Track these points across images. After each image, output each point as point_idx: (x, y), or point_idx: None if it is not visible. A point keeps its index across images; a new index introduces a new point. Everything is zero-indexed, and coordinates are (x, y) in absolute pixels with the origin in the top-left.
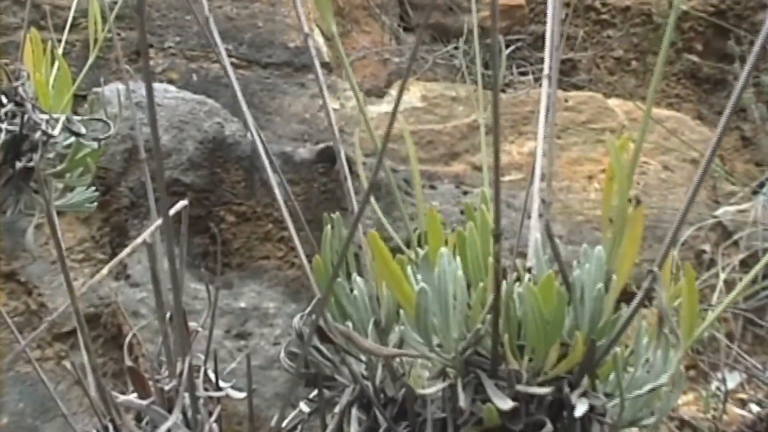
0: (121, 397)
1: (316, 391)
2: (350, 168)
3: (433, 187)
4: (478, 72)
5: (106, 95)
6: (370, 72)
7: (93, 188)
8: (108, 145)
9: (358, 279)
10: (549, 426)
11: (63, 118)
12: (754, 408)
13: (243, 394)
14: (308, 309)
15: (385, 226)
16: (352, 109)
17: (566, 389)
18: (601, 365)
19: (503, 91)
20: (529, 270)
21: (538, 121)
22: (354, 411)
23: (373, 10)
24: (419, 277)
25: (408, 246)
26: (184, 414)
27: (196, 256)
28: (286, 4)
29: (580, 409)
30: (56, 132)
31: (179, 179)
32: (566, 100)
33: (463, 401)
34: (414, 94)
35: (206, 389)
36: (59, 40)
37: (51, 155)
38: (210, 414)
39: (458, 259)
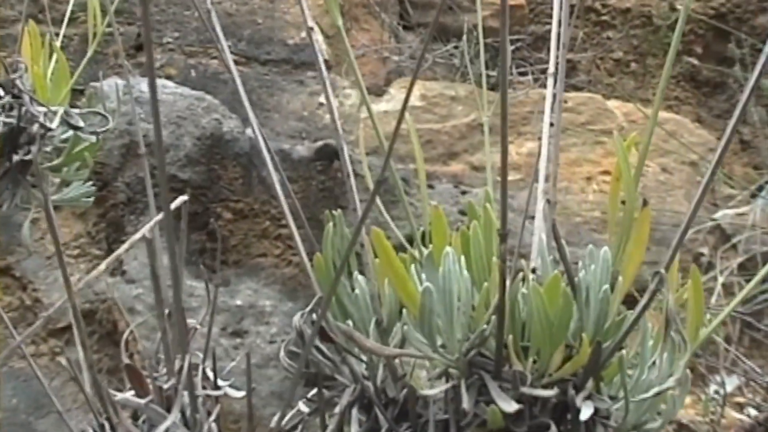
0: (119, 395)
1: (315, 391)
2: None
3: (431, 187)
4: (483, 71)
5: (104, 90)
6: (369, 70)
7: (90, 183)
8: (105, 140)
9: (360, 277)
10: (553, 429)
11: (61, 110)
12: (753, 412)
13: (241, 393)
14: (309, 307)
15: (386, 225)
16: (350, 107)
17: (571, 392)
18: (606, 367)
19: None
20: (533, 271)
21: (543, 120)
22: (354, 411)
23: (372, 8)
24: (423, 276)
25: (410, 244)
26: (183, 413)
27: (193, 253)
28: (286, 1)
29: (586, 412)
30: (54, 125)
31: (177, 175)
32: (565, 101)
33: (466, 403)
34: (413, 93)
35: (204, 388)
36: (57, 34)
37: (48, 149)
38: (209, 413)
39: (462, 258)
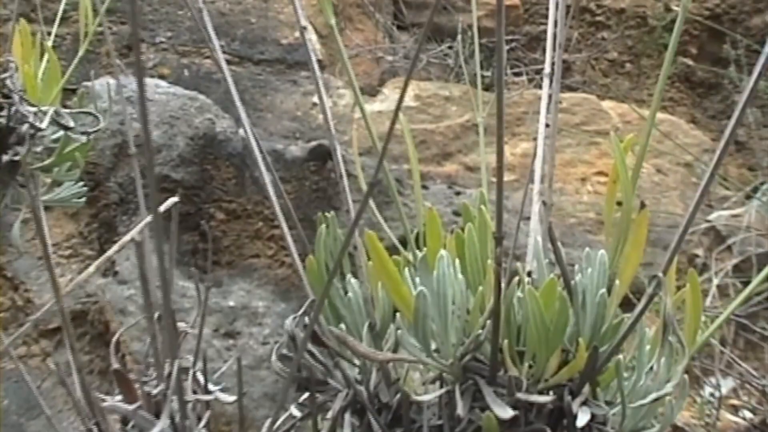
0: (107, 401)
1: (307, 395)
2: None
3: (425, 187)
4: (478, 71)
5: (96, 90)
6: (362, 70)
7: (81, 183)
8: (97, 141)
9: (353, 280)
10: None
11: (51, 110)
12: (748, 415)
13: (233, 398)
14: (301, 311)
15: (379, 226)
16: (344, 107)
17: (567, 397)
18: (603, 372)
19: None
20: (529, 274)
21: (538, 121)
22: (347, 416)
23: (366, 8)
24: (417, 279)
25: (404, 245)
26: (172, 419)
27: (185, 254)
28: (279, 0)
29: (582, 418)
30: (44, 125)
31: (169, 175)
32: (560, 102)
33: (460, 408)
34: (407, 93)
35: (195, 392)
36: (49, 33)
37: (39, 149)
38: (199, 419)
39: (457, 261)
